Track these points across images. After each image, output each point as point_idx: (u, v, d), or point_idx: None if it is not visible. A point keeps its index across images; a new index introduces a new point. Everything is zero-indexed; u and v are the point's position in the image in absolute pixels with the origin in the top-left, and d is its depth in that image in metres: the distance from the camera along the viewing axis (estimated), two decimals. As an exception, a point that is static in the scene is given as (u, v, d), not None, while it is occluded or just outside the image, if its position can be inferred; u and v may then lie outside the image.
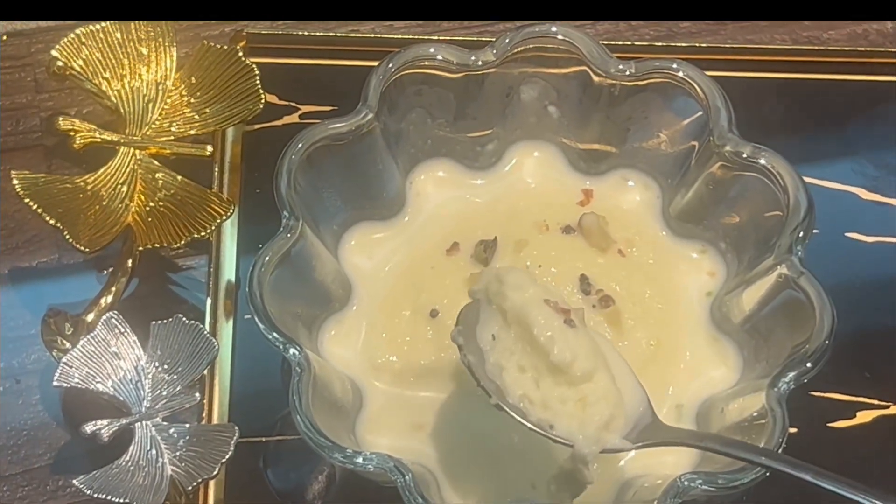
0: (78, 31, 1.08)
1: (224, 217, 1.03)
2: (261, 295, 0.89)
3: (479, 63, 0.99)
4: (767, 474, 0.85)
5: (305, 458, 1.00)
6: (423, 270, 1.01)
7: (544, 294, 0.88)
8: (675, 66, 0.98)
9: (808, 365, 0.88)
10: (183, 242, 1.03)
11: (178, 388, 0.96)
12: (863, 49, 1.20)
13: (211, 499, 0.98)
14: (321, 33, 1.17)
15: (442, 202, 1.05)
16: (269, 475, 1.00)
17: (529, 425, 0.87)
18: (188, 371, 0.96)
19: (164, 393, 0.96)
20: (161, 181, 1.06)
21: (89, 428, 0.94)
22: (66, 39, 1.08)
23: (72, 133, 1.08)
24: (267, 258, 0.90)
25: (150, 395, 0.96)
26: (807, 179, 0.95)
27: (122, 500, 0.91)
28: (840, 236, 1.12)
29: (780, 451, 0.86)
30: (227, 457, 0.93)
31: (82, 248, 1.01)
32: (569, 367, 0.85)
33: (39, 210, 1.01)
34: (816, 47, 1.21)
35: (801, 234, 0.93)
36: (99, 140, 1.08)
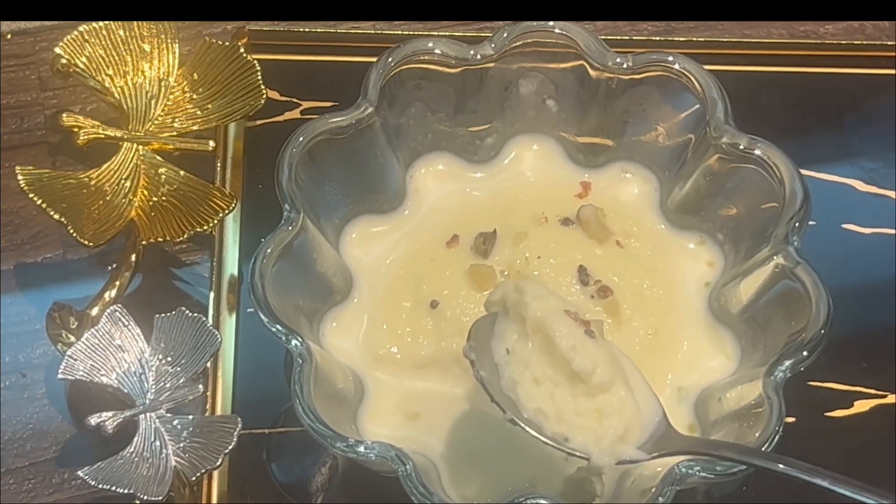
0: (81, 29, 1.09)
1: (226, 211, 1.04)
2: (263, 287, 0.90)
3: (478, 57, 0.99)
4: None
5: (308, 450, 1.01)
6: (423, 262, 1.02)
7: (564, 305, 0.89)
8: (671, 59, 0.99)
9: (805, 353, 0.89)
10: (186, 237, 1.03)
11: (181, 381, 0.97)
12: (859, 42, 1.20)
13: (214, 490, 0.99)
14: (322, 30, 1.17)
15: (442, 195, 1.06)
16: (272, 467, 1.01)
17: (544, 439, 0.87)
18: (191, 363, 0.97)
19: (168, 385, 0.97)
20: (164, 176, 1.07)
21: (94, 420, 0.95)
22: (69, 37, 1.09)
23: (76, 129, 1.09)
24: (269, 250, 0.91)
25: (153, 387, 0.97)
26: (804, 172, 0.96)
27: (126, 492, 0.92)
28: (837, 228, 1.12)
29: (776, 438, 0.86)
30: (230, 448, 0.94)
31: (86, 242, 1.02)
32: (590, 376, 0.86)
33: (44, 205, 1.02)
34: (813, 41, 1.21)
35: (798, 224, 0.93)
36: (102, 136, 1.09)
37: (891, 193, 1.14)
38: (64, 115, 1.10)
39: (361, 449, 0.87)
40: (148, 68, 1.10)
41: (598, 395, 0.87)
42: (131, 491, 0.92)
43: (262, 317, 0.90)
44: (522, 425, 0.87)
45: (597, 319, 0.91)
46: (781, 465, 0.83)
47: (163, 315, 0.98)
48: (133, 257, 1.05)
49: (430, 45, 0.99)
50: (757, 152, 0.96)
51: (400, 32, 1.18)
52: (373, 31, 1.19)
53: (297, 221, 0.93)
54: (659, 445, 0.88)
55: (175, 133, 1.10)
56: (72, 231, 1.01)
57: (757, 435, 0.87)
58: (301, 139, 0.95)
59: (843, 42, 1.21)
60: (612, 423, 0.86)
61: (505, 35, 0.99)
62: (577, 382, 0.86)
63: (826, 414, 1.05)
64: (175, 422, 0.96)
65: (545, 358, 0.87)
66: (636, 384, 0.89)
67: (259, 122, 1.12)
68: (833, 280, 0.92)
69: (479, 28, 1.20)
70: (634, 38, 1.19)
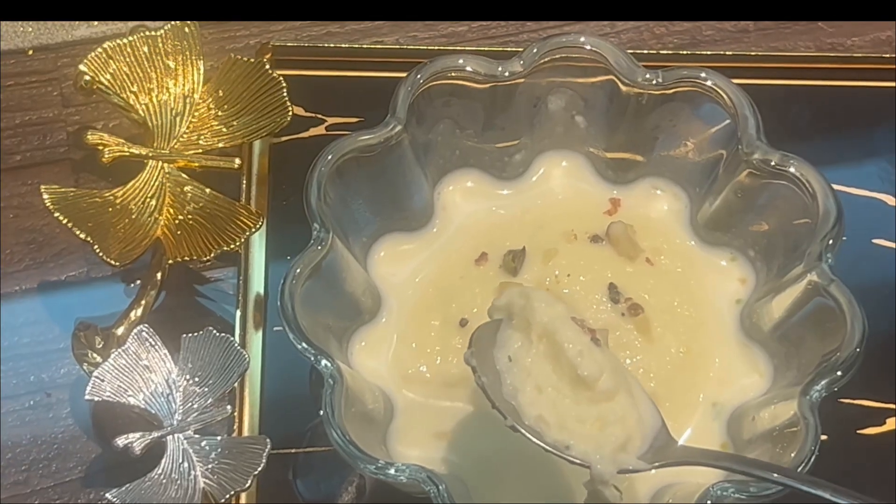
0: (105, 46, 1.08)
1: (253, 230, 1.03)
2: (292, 307, 0.89)
3: (507, 74, 0.99)
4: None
5: (336, 469, 1.00)
6: (452, 280, 1.01)
7: (571, 312, 0.89)
8: (703, 74, 0.98)
9: (839, 373, 0.88)
10: (212, 255, 1.03)
11: (209, 401, 0.96)
12: (888, 56, 1.20)
13: (242, 510, 0.98)
14: (346, 45, 1.17)
15: (470, 212, 1.05)
16: (299, 486, 1.00)
17: (545, 446, 0.87)
18: (219, 384, 0.96)
19: (196, 406, 0.96)
20: (190, 194, 1.07)
21: (121, 441, 0.94)
22: (93, 54, 1.08)
23: (100, 147, 1.08)
24: (298, 270, 0.90)
25: (181, 407, 0.96)
26: (833, 186, 0.95)
27: (154, 513, 0.92)
28: (867, 242, 1.12)
29: (812, 458, 0.86)
30: (259, 469, 0.93)
31: (112, 262, 1.01)
32: (595, 382, 0.86)
33: (70, 224, 1.01)
34: (841, 54, 1.21)
35: (831, 241, 0.93)
36: (128, 154, 1.08)
37: (921, 208, 1.14)
38: (89, 132, 1.09)
39: (392, 471, 0.86)
40: (173, 85, 1.10)
41: (601, 403, 0.87)
42: (159, 513, 0.92)
43: (293, 338, 0.89)
44: (523, 432, 0.87)
45: (602, 328, 0.91)
46: (776, 475, 0.84)
47: (190, 335, 0.97)
48: (159, 275, 1.05)
49: (461, 61, 0.98)
50: (790, 169, 0.96)
51: (424, 48, 1.18)
52: (397, 47, 1.19)
53: (326, 241, 0.92)
54: (659, 455, 0.88)
55: (200, 150, 1.09)
56: (98, 251, 1.01)
57: (793, 455, 0.87)
58: (330, 157, 0.94)
59: (871, 55, 1.20)
60: (614, 431, 0.86)
61: (534, 51, 0.99)
62: (580, 390, 0.86)
63: (858, 431, 1.04)
64: (203, 443, 0.95)
65: (549, 365, 0.87)
66: (637, 394, 0.89)
67: (284, 139, 1.12)
68: (863, 295, 0.91)
69: (503, 42, 1.20)
70: (661, 52, 1.18)
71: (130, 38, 1.09)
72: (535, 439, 0.87)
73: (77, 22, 1.17)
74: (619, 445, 0.86)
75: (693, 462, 0.89)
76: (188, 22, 1.10)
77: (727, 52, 1.19)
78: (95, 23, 1.18)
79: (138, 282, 1.06)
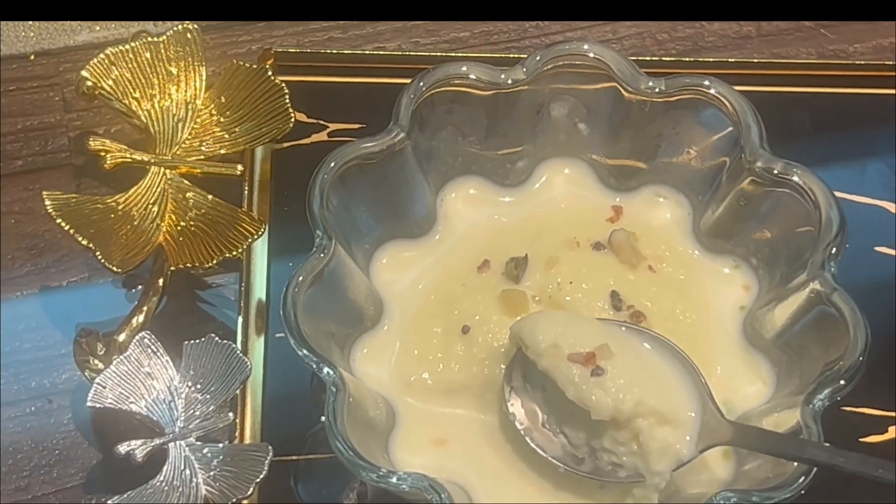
0: (108, 52, 1.08)
1: (255, 237, 1.03)
2: (295, 315, 0.89)
3: (510, 81, 0.99)
4: (803, 491, 0.86)
5: (337, 476, 1.00)
6: (454, 288, 1.01)
7: (567, 348, 0.90)
8: (706, 82, 0.98)
9: (842, 382, 0.88)
10: (214, 262, 1.02)
11: (211, 408, 0.96)
12: (890, 63, 1.20)
13: (243, 517, 0.98)
14: (348, 51, 1.18)
15: (472, 219, 1.05)
16: (301, 493, 1.00)
17: (601, 479, 0.91)
18: (221, 391, 0.96)
19: (198, 413, 0.96)
20: (192, 200, 1.06)
21: (123, 448, 0.94)
22: (95, 60, 1.08)
23: (102, 153, 1.08)
24: (301, 278, 0.90)
25: (183, 415, 0.96)
26: (835, 193, 0.95)
27: (156, 521, 0.92)
28: (869, 250, 1.11)
29: (815, 467, 0.86)
30: (260, 476, 0.93)
31: (115, 268, 1.01)
32: (611, 418, 0.88)
33: (72, 231, 1.01)
34: (843, 61, 1.21)
35: (834, 250, 0.93)
36: (130, 160, 1.08)
37: (924, 216, 1.14)
38: (91, 138, 1.08)
39: (394, 480, 0.86)
40: (175, 91, 1.09)
41: (627, 424, 0.89)
42: (161, 521, 0.92)
43: (295, 345, 0.89)
44: (579, 472, 0.91)
45: (601, 345, 0.91)
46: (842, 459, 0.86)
47: (192, 342, 0.97)
48: (160, 282, 1.04)
49: (464, 69, 0.98)
50: (793, 178, 0.96)
51: (427, 54, 1.18)
52: (399, 53, 1.19)
53: (329, 248, 0.92)
54: (710, 437, 0.90)
55: (202, 157, 1.09)
56: (100, 257, 1.00)
57: (796, 463, 0.87)
58: (333, 164, 0.94)
59: (873, 62, 1.20)
60: (651, 441, 0.89)
61: (537, 58, 0.99)
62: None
63: (860, 439, 1.04)
64: (205, 450, 0.95)
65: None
66: (670, 377, 0.92)
67: (286, 145, 1.12)
68: (866, 303, 0.91)
69: (505, 48, 1.20)
70: (664, 58, 1.18)
71: (132, 44, 1.09)
72: (594, 476, 0.91)
73: (79, 27, 1.18)
74: (662, 450, 0.89)
75: (737, 442, 0.91)
76: (190, 28, 1.10)
77: (729, 59, 1.19)
78: (97, 28, 1.18)
79: (140, 288, 1.05)
